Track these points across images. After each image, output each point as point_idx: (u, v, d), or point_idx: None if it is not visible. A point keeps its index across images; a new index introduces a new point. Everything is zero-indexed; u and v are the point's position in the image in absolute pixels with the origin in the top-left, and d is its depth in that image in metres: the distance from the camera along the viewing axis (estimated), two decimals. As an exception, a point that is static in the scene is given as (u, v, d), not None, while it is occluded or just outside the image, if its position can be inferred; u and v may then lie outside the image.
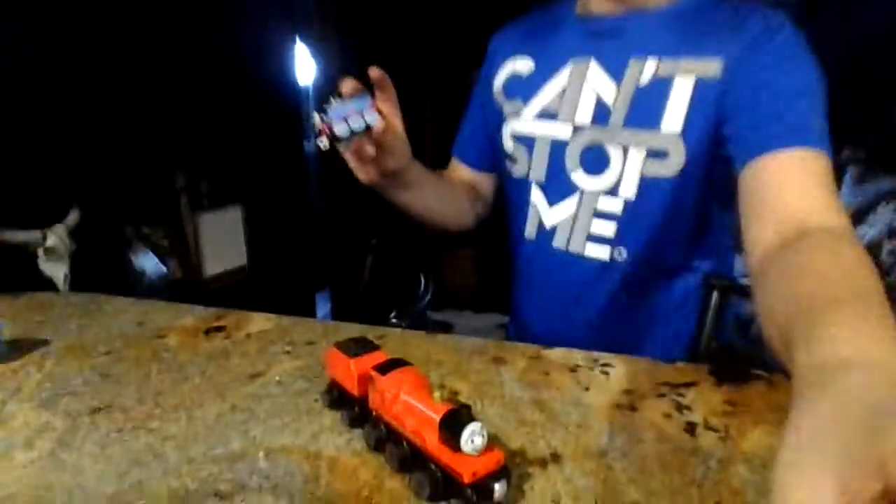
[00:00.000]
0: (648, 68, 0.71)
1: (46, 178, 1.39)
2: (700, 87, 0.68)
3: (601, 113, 0.74)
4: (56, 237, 1.43)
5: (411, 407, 0.40)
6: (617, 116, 0.72)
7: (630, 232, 0.74)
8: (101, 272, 1.49)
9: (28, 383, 0.57)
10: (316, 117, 0.64)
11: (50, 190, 1.42)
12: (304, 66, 2.31)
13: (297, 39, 2.23)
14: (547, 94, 0.79)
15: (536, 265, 0.84)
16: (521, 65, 0.84)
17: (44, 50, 1.40)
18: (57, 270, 1.41)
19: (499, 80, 0.86)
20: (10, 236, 1.34)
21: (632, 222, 0.74)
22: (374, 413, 0.44)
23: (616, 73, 0.73)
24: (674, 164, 0.69)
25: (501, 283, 0.92)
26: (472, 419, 0.36)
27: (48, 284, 1.37)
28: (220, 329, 0.69)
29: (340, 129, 0.64)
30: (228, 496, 0.39)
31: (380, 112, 0.66)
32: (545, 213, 0.81)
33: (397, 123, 0.71)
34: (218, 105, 1.80)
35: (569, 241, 0.78)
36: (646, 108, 0.70)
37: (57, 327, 0.72)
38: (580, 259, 0.78)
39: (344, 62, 2.25)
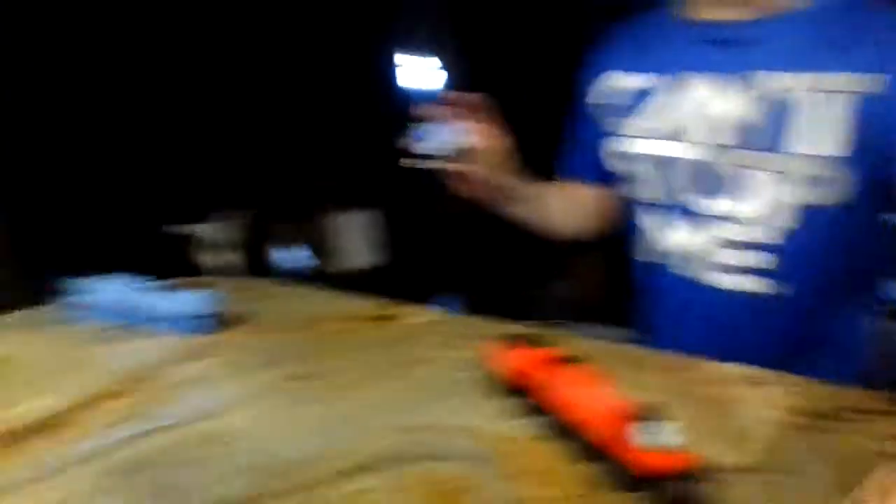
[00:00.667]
0: (781, 83, 0.63)
1: (211, 180, 1.57)
2: (854, 106, 0.60)
3: (725, 133, 0.66)
4: (216, 231, 1.60)
5: (598, 400, 0.41)
6: (739, 137, 0.65)
7: (787, 265, 0.67)
8: (246, 265, 1.64)
9: (228, 353, 0.64)
10: (406, 140, 0.69)
11: (212, 189, 1.59)
12: (433, 75, 2.43)
13: (424, 52, 2.34)
14: (656, 111, 0.72)
15: (662, 288, 0.78)
16: (625, 79, 0.76)
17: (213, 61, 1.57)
18: (217, 260, 1.58)
19: (599, 96, 0.80)
20: (176, 229, 1.53)
21: (784, 254, 0.66)
22: (550, 406, 0.45)
23: (739, 88, 0.66)
24: (828, 191, 0.63)
25: (628, 298, 0.88)
26: (663, 417, 0.36)
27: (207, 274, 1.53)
28: (385, 318, 0.74)
29: (426, 148, 0.68)
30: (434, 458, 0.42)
31: (471, 132, 0.70)
32: (657, 236, 0.75)
33: (494, 142, 0.73)
34: (357, 117, 1.92)
35: (697, 268, 0.72)
36: (775, 128, 0.63)
37: (243, 307, 0.78)
38: (705, 289, 0.71)
39: (471, 74, 2.30)
